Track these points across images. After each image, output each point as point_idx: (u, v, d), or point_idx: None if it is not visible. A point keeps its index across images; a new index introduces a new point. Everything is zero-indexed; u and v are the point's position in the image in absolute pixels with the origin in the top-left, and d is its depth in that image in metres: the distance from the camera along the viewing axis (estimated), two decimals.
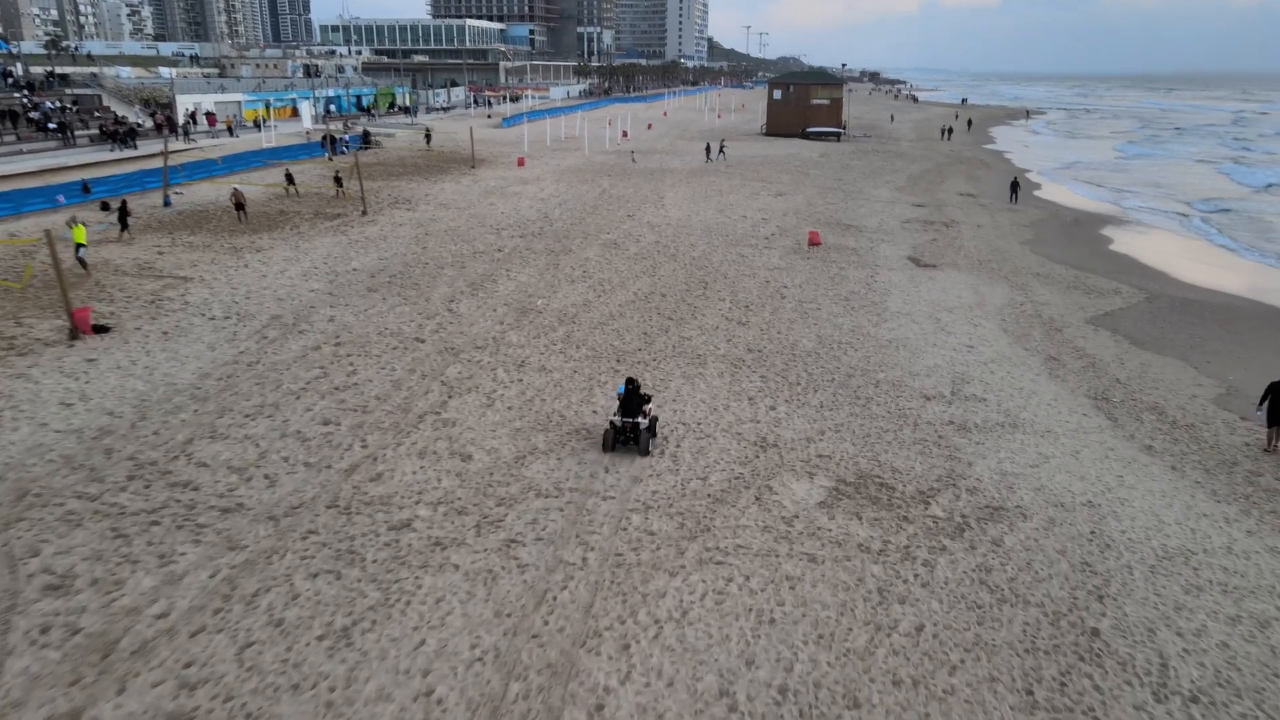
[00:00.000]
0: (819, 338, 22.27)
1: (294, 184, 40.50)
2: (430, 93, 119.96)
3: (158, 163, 38.21)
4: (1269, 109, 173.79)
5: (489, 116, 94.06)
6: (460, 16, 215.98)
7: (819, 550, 12.15)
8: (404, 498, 13.12)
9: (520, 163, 54.37)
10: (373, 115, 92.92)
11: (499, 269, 27.85)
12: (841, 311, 24.81)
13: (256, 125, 66.66)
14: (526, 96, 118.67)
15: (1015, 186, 50.54)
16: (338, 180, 40.89)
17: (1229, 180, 63.07)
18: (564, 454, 14.85)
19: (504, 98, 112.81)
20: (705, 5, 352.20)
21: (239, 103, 79.62)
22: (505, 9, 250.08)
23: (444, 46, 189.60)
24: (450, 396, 17.19)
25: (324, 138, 55.24)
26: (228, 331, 20.58)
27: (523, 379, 18.33)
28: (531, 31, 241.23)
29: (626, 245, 32.18)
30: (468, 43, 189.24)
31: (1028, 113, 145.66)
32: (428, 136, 63.18)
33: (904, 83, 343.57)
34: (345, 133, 60.48)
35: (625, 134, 76.62)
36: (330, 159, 53.68)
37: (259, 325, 21.16)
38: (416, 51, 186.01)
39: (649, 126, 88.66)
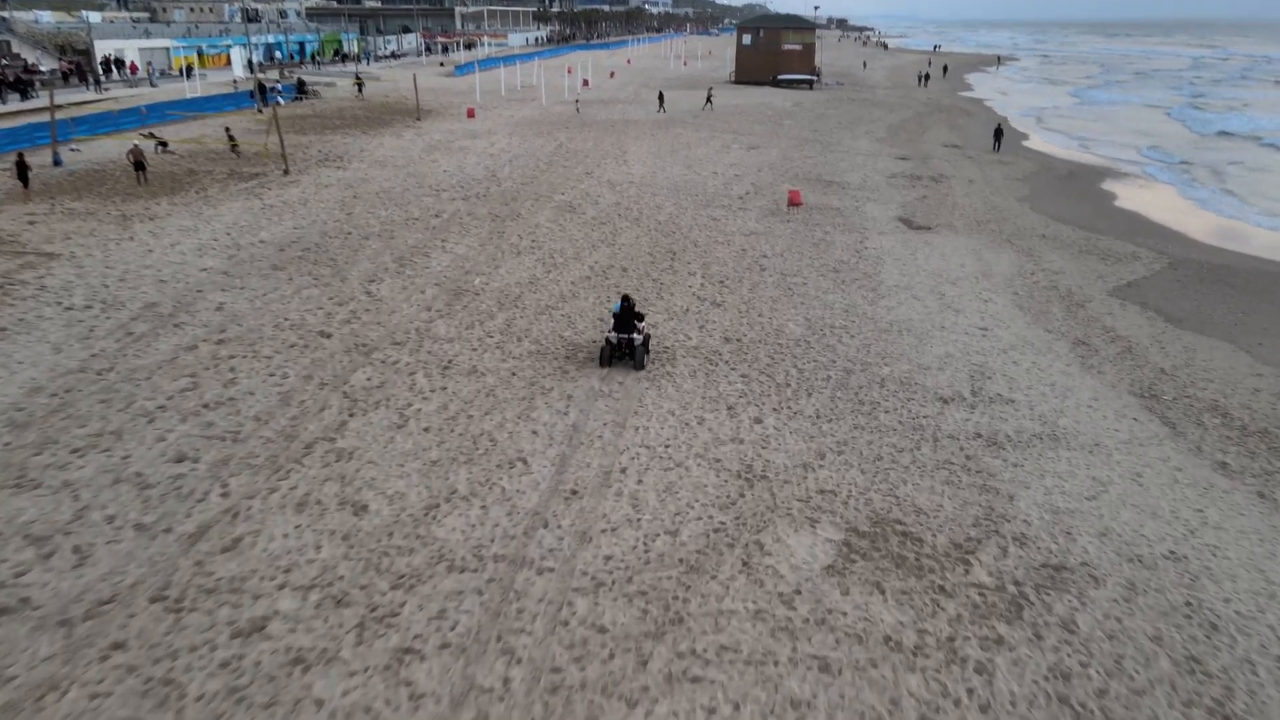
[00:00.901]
0: (808, 321, 18.83)
1: (236, 145, 35.74)
2: (381, 39, 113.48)
3: (65, 115, 33.45)
4: (1227, 54, 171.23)
5: (441, 65, 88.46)
6: None
7: (832, 650, 8.83)
8: (264, 579, 9.56)
9: (470, 114, 49.89)
10: (316, 63, 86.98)
11: (434, 239, 23.97)
12: (831, 286, 21.36)
13: (182, 74, 61.03)
14: (482, 43, 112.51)
15: (999, 134, 47.41)
16: (231, 138, 36.29)
17: (1182, 127, 60.22)
18: (490, 498, 11.35)
19: (458, 45, 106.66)
20: None
21: (167, 49, 73.61)
22: None
23: None
24: (352, 414, 13.54)
25: (254, 87, 50.19)
26: (84, 326, 16.64)
27: (447, 386, 14.71)
28: None
29: (583, 208, 28.36)
30: None
31: (999, 59, 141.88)
32: (359, 86, 58.06)
33: (871, 29, 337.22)
34: (279, 81, 55.26)
35: (586, 83, 71.91)
36: (259, 111, 48.75)
37: (126, 317, 17.22)
38: None
39: (611, 75, 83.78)
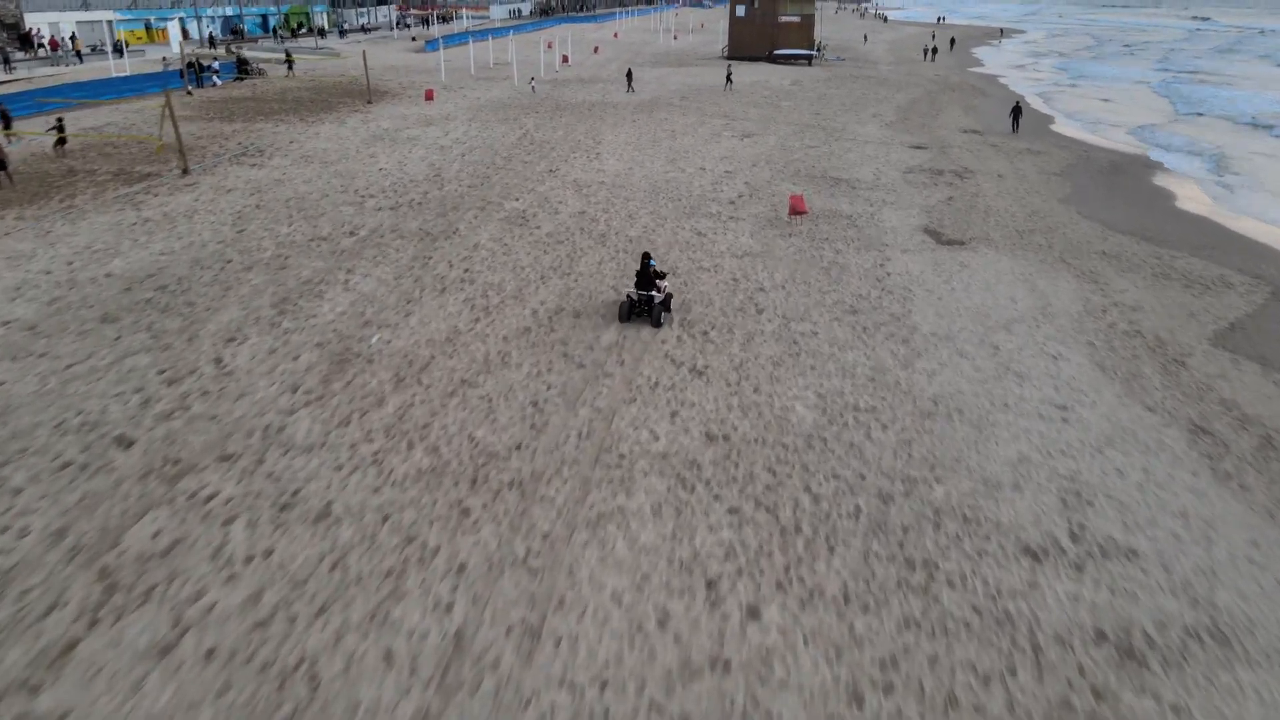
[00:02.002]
0: (821, 398, 13.69)
1: (64, 141, 28.62)
2: (355, 12, 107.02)
3: None
4: (1208, 27, 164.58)
5: (413, 39, 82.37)
6: None
7: None
8: None
9: (429, 96, 44.27)
10: (279, 38, 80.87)
11: (337, 269, 18.69)
12: (849, 337, 16.18)
13: (118, 49, 55.10)
14: (460, 16, 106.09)
15: (1017, 114, 42.39)
16: (59, 129, 28.49)
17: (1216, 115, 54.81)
18: None
19: (432, 17, 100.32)
20: None
21: (110, 22, 67.49)
22: None
23: None
24: (94, 623, 8.38)
25: (185, 65, 44.48)
26: None
27: (274, 551, 9.56)
28: None
29: (538, 220, 23.07)
30: None
31: (1001, 32, 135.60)
32: (288, 64, 52.12)
33: (869, 1, 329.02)
34: (215, 60, 49.49)
35: (566, 59, 66.09)
36: (190, 92, 43.11)
37: None
38: None
39: (595, 50, 77.82)
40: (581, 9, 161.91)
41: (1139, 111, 51.88)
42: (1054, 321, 17.54)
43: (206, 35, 75.40)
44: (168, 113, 26.26)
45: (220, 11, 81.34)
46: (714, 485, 11.13)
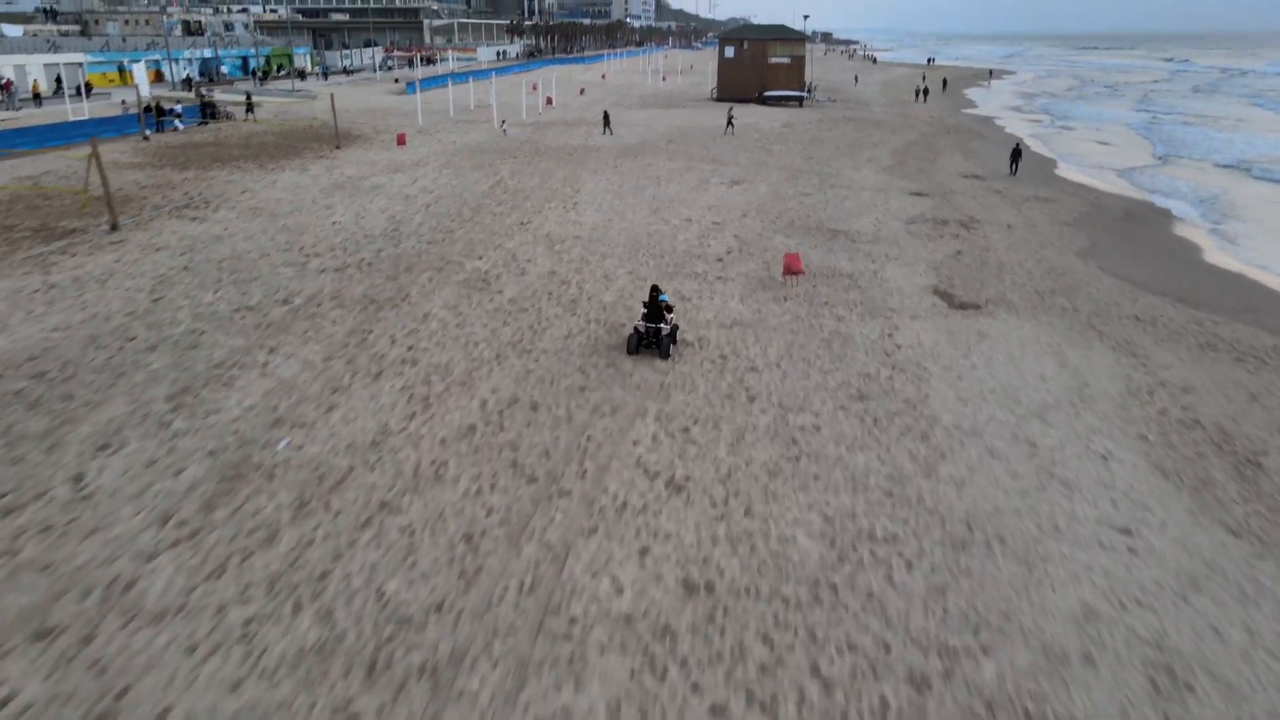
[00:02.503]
0: (827, 522, 11.02)
1: None
2: (341, 54, 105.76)
3: None
4: (1187, 68, 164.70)
5: (395, 81, 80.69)
6: None
7: None
8: None
9: (400, 141, 42.01)
10: (259, 80, 79.10)
11: (259, 346, 16.03)
12: (857, 432, 13.54)
13: (79, 92, 52.83)
14: (445, 58, 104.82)
15: (1016, 156, 40.55)
16: None
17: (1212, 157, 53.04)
18: None
19: (416, 59, 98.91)
20: None
21: (80, 65, 65.48)
22: None
23: (371, 4, 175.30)
24: None
25: (143, 109, 42.17)
26: None
27: None
28: None
29: (501, 282, 20.51)
30: (397, 1, 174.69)
31: (990, 73, 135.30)
32: (249, 107, 49.86)
33: (857, 43, 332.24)
34: (177, 103, 47.21)
35: (550, 101, 64.24)
36: (146, 138, 40.77)
37: None
38: (338, 10, 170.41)
39: (581, 92, 76.18)
40: (569, 50, 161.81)
41: (1132, 153, 49.99)
42: (1095, 407, 14.94)
43: (182, 77, 73.56)
44: (93, 162, 23.70)
45: (198, 54, 79.66)
46: (692, 667, 8.39)
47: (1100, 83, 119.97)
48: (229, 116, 48.45)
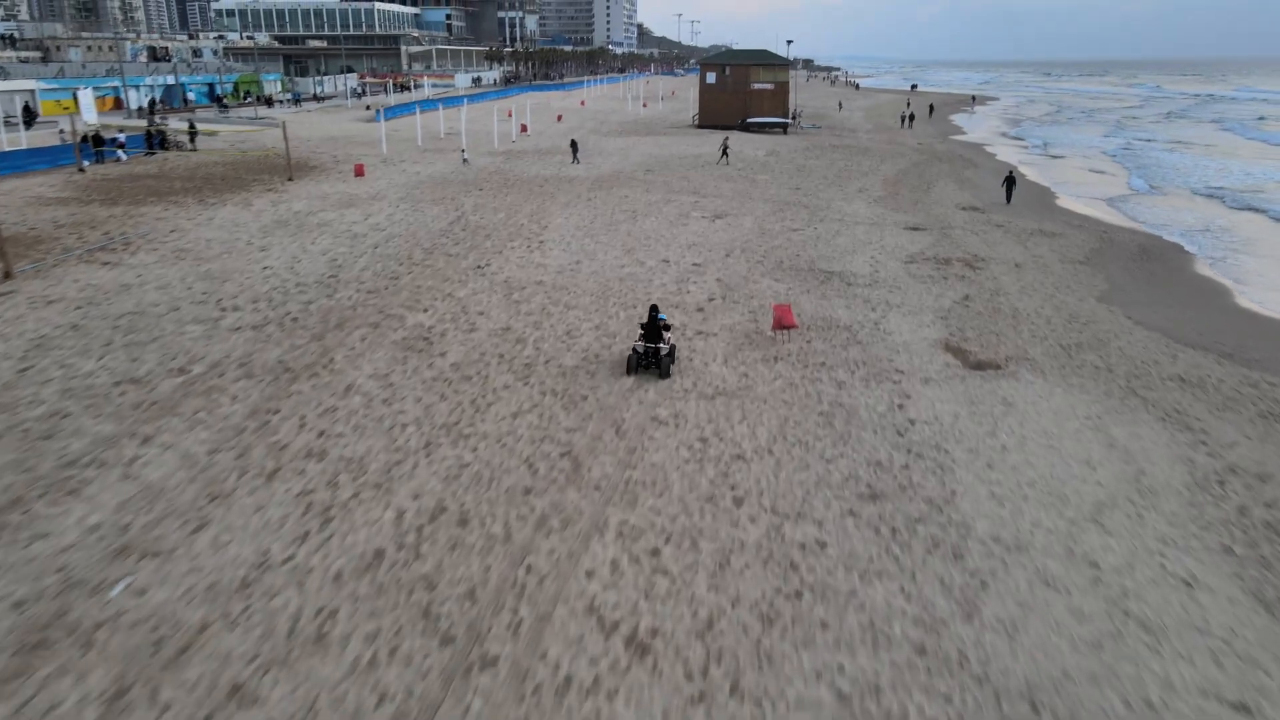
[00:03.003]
0: (842, 702, 8.11)
1: None
2: (314, 80, 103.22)
3: None
4: (1157, 94, 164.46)
5: (367, 108, 78.06)
6: (370, 0, 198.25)
7: None
8: None
9: (358, 172, 39.17)
10: (224, 107, 76.29)
11: (129, 436, 12.98)
12: (873, 550, 10.66)
13: (21, 120, 49.78)
14: (422, 85, 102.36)
15: (1010, 184, 38.54)
16: None
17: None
18: None
19: (389, 85, 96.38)
20: None
21: (32, 91, 62.44)
22: None
23: (351, 32, 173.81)
24: None
25: (81, 139, 39.15)
26: None
27: None
28: (448, 16, 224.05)
29: (446, 341, 17.60)
30: (377, 27, 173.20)
31: (973, 98, 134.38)
32: (191, 136, 46.85)
33: (838, 69, 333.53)
34: (120, 133, 44.21)
35: (524, 128, 61.70)
36: (82, 169, 37.74)
37: None
38: (317, 37, 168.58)
39: (558, 118, 73.76)
40: (549, 77, 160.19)
41: (1127, 181, 47.83)
42: (1159, 505, 12.14)
43: (145, 103, 70.64)
44: None
45: (161, 80, 76.80)
46: None
47: (1078, 108, 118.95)
48: (180, 146, 45.47)
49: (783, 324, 18.53)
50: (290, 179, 37.41)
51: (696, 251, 26.31)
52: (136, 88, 73.53)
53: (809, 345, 18.30)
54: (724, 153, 47.40)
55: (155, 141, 43.30)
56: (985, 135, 73.94)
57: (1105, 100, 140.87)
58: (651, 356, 15.80)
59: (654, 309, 16.05)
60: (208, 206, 31.17)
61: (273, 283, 21.44)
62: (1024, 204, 38.70)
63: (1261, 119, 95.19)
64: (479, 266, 23.64)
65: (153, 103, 68.59)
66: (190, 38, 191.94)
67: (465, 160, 43.95)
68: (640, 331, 16.22)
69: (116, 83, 70.91)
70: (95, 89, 69.49)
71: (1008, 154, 59.20)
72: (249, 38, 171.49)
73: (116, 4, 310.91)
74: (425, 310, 19.56)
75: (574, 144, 46.92)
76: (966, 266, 26.05)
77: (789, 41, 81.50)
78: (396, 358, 16.56)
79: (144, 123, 55.82)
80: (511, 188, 37.23)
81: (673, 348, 16.22)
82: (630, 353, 16.09)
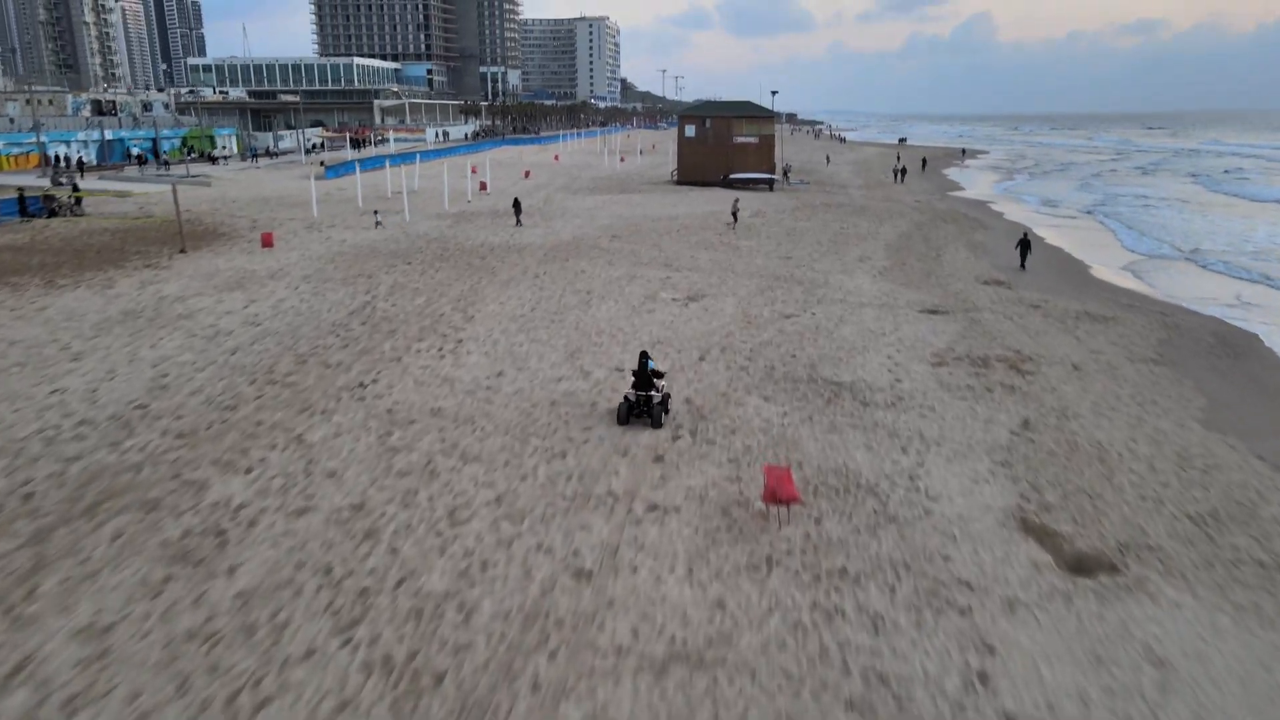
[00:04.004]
0: None
1: None
2: (274, 135, 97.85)
3: None
4: (1128, 146, 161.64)
5: (322, 164, 72.40)
6: (349, 55, 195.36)
7: None
8: None
9: (266, 241, 32.96)
10: (164, 164, 70.43)
11: None
12: None
13: None
14: (386, 139, 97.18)
15: (1025, 247, 33.52)
16: None
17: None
18: None
19: (349, 140, 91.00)
20: (617, 46, 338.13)
21: None
22: (401, 47, 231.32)
23: (330, 86, 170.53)
24: None
25: None
26: None
27: None
28: (429, 71, 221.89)
29: (250, 536, 11.14)
30: (356, 82, 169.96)
31: (964, 152, 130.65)
32: (76, 200, 40.41)
33: (821, 123, 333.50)
34: (20, 192, 37.90)
35: (483, 186, 55.97)
36: None
37: None
38: (294, 92, 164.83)
39: (526, 175, 68.23)
40: (528, 130, 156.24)
41: (1150, 245, 42.24)
42: None
43: (75, 160, 64.74)
44: None
45: (94, 135, 70.98)
46: None
47: (1060, 161, 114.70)
48: (70, 211, 39.23)
49: (779, 497, 12.15)
50: (183, 251, 31.19)
51: (663, 353, 20.08)
52: (68, 144, 67.73)
53: (819, 530, 11.97)
54: (734, 216, 41.53)
55: (33, 207, 36.99)
56: (985, 191, 68.87)
57: (1088, 154, 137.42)
58: (644, 405, 15.37)
59: (644, 355, 15.56)
60: (52, 290, 24.87)
61: (50, 418, 15.01)
62: (1047, 271, 33.07)
63: (1229, 172, 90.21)
64: (360, 385, 17.29)
65: (64, 160, 62.59)
66: (159, 91, 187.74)
67: (378, 224, 38.08)
68: (631, 379, 15.76)
69: (45, 138, 65.02)
70: (15, 144, 63.75)
71: (1014, 212, 53.88)
72: (222, 92, 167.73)
73: (97, 61, 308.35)
74: (247, 471, 13.13)
75: (517, 204, 41.06)
76: (1012, 370, 19.93)
77: (774, 93, 76.58)
78: (150, 581, 10.10)
79: (49, 183, 49.72)
80: (447, 260, 31.13)
81: (666, 395, 15.76)
82: (622, 402, 15.60)
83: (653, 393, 15.43)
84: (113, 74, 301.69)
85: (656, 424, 15.30)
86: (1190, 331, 24.68)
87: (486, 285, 26.90)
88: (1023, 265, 33.31)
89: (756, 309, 24.97)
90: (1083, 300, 28.13)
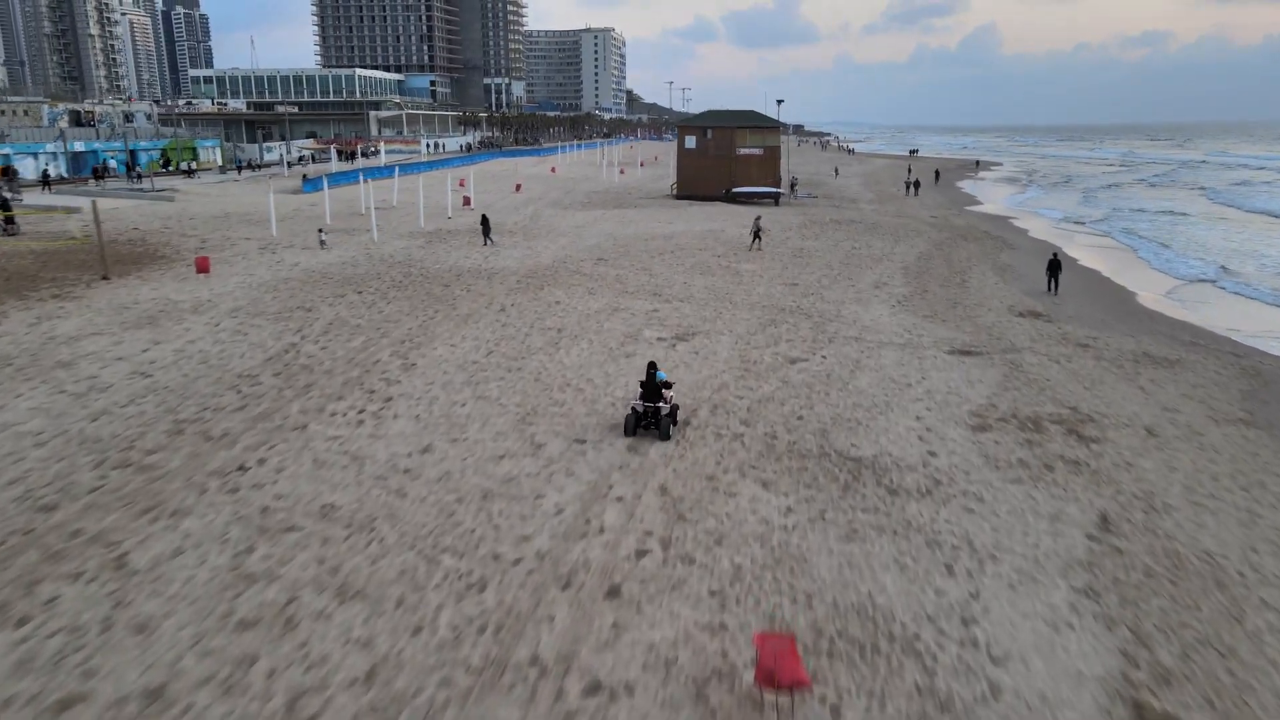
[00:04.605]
0: None
1: None
2: (262, 147, 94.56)
3: None
4: (1135, 157, 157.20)
5: (304, 177, 68.86)
6: (351, 67, 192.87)
7: None
8: None
9: (201, 266, 29.11)
10: (136, 176, 66.91)
11: None
12: None
13: None
14: (377, 151, 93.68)
15: (1055, 269, 29.87)
16: None
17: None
18: None
19: (335, 152, 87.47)
20: (623, 57, 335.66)
21: None
22: (404, 59, 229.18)
23: (332, 98, 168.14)
24: None
25: None
26: None
27: None
28: (433, 83, 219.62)
29: None
30: (358, 94, 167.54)
31: (977, 163, 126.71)
32: (7, 218, 36.44)
33: (829, 134, 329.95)
34: None
35: (467, 201, 52.22)
36: None
37: None
38: (295, 103, 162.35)
39: (517, 188, 64.53)
40: (529, 142, 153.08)
41: (1191, 265, 38.19)
42: None
43: (42, 173, 61.26)
44: None
45: (67, 146, 67.57)
46: None
47: (1075, 174, 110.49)
48: (4, 231, 35.56)
49: (777, 681, 8.12)
50: (105, 278, 27.41)
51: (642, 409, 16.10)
52: (35, 156, 64.36)
53: None
54: (756, 236, 36.69)
55: None
56: (1005, 205, 64.90)
57: (1097, 165, 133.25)
58: (651, 416, 15.00)
59: (652, 366, 15.28)
60: None
61: None
62: (1084, 297, 29.32)
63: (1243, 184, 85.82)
64: (240, 468, 13.37)
65: (46, 175, 59.19)
66: (155, 104, 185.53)
67: (323, 243, 34.41)
68: (639, 390, 15.33)
69: (9, 149, 61.60)
70: None
71: (1037, 228, 49.92)
72: (221, 103, 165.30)
73: (102, 73, 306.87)
74: (20, 623, 9.20)
75: (485, 221, 37.21)
76: (1072, 436, 15.94)
77: (779, 101, 72.70)
78: None
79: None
80: (405, 288, 27.29)
81: (675, 407, 15.30)
82: (629, 413, 15.16)
83: (661, 404, 15.02)
84: (118, 85, 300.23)
85: (664, 436, 14.93)
86: (1270, 378, 20.64)
87: (441, 322, 23.02)
88: (1053, 289, 29.57)
89: (756, 351, 21.02)
90: (1136, 337, 24.17)
